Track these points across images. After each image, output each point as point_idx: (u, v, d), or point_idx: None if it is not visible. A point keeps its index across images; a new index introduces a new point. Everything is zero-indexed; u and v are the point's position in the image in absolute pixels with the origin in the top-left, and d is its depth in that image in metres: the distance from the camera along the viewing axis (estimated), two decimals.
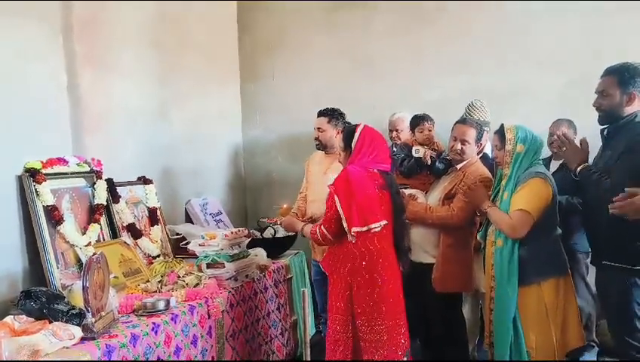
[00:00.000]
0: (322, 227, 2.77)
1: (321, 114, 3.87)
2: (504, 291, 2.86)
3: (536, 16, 4.20)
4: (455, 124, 3.28)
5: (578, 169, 2.77)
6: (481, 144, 3.29)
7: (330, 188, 2.77)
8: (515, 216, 2.79)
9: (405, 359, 2.76)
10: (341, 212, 2.67)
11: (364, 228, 2.66)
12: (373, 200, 2.72)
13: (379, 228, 2.70)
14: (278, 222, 3.37)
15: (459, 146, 3.20)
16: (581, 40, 4.10)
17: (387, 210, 2.80)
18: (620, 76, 2.71)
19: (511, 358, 2.87)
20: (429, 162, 3.35)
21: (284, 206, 3.42)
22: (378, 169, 2.80)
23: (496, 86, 4.26)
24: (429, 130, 3.48)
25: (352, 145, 2.80)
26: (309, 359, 2.92)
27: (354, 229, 2.65)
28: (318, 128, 3.83)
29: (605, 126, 2.82)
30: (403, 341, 2.80)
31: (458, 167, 3.25)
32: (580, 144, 2.86)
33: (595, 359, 3.77)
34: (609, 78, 2.76)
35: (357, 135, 2.80)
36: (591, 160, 2.98)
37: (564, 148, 2.86)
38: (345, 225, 2.67)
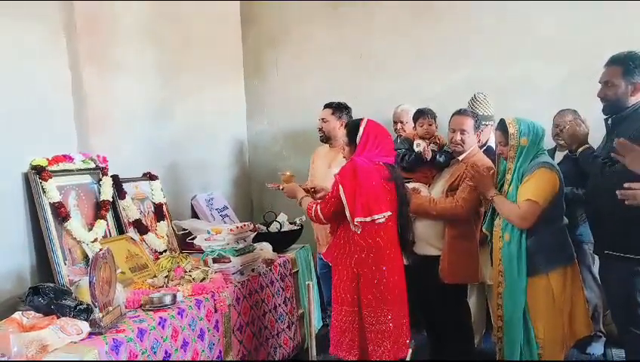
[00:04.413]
0: (318, 206, 2.82)
1: (327, 106, 3.99)
2: (514, 286, 2.86)
3: (536, 7, 4.17)
4: (452, 116, 3.30)
5: (579, 150, 2.77)
6: (479, 133, 3.30)
7: (335, 178, 2.77)
8: (523, 206, 2.79)
9: (410, 350, 2.78)
10: (345, 201, 2.68)
11: (368, 219, 2.67)
12: (379, 191, 2.72)
13: (383, 220, 2.71)
14: (281, 188, 3.37)
15: (458, 137, 3.21)
16: (582, 30, 4.06)
17: (393, 201, 2.81)
18: (625, 66, 2.70)
19: (521, 351, 2.87)
20: (429, 157, 3.35)
21: (288, 173, 3.44)
22: (383, 162, 2.81)
23: (499, 78, 4.24)
24: (430, 125, 3.48)
25: (357, 140, 2.81)
26: (314, 352, 2.93)
27: (357, 219, 2.66)
28: (322, 119, 3.94)
29: (609, 115, 2.81)
30: (406, 333, 2.83)
31: (460, 158, 3.25)
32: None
33: (602, 349, 3.77)
34: (614, 67, 2.74)
35: (361, 129, 2.80)
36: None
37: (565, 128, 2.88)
38: (348, 214, 2.68)
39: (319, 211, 2.80)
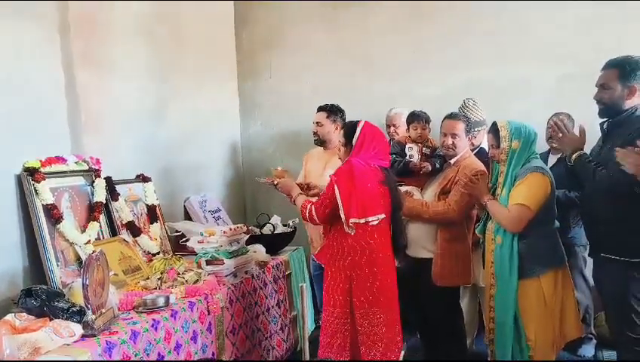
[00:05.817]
0: (313, 206, 2.80)
1: (320, 109, 3.97)
2: (505, 288, 2.88)
3: (534, 9, 4.20)
4: (443, 120, 3.32)
5: (573, 156, 2.77)
6: (471, 137, 3.32)
7: (331, 178, 2.78)
8: (514, 210, 2.81)
9: (403, 352, 2.79)
10: (340, 202, 2.68)
11: (362, 220, 2.68)
12: (374, 193, 2.74)
13: (376, 222, 2.72)
14: (275, 182, 3.34)
15: (450, 141, 3.24)
16: (579, 32, 4.09)
17: (387, 205, 2.83)
18: (621, 69, 2.70)
19: (513, 352, 2.89)
20: (421, 171, 3.36)
21: (279, 168, 3.45)
22: (379, 165, 2.82)
23: (495, 80, 4.26)
24: (423, 129, 3.49)
25: (354, 141, 2.82)
26: (307, 354, 2.93)
27: (352, 220, 2.67)
28: (317, 122, 3.91)
29: (605, 119, 2.82)
30: (399, 337, 2.84)
31: (452, 161, 3.27)
32: (579, 132, 2.84)
33: (593, 351, 3.80)
34: (610, 71, 2.75)
35: (358, 131, 2.81)
36: (588, 152, 3.00)
37: (560, 135, 2.86)
38: (342, 216, 2.68)
39: (313, 212, 2.80)
